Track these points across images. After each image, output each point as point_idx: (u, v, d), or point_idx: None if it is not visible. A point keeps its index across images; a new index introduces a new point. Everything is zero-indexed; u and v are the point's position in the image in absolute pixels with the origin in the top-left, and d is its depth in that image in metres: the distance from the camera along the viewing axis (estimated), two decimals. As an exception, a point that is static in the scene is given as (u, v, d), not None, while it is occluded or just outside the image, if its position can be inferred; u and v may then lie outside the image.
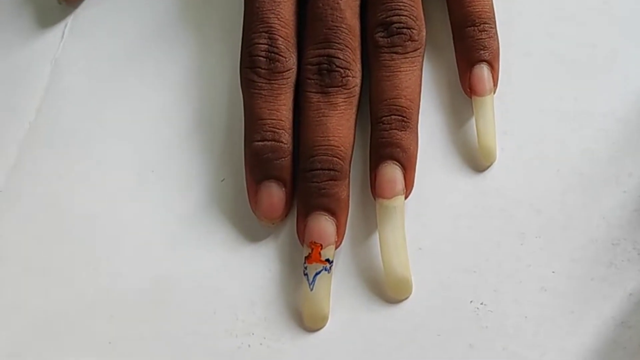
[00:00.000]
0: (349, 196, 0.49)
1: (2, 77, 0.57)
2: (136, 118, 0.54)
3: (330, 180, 0.48)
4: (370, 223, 0.49)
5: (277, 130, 0.50)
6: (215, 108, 0.54)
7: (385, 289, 0.48)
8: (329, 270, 0.47)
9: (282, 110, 0.50)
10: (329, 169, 0.48)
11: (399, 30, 0.51)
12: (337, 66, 0.50)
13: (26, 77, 0.56)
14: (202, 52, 0.56)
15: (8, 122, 0.55)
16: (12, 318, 0.49)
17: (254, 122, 0.50)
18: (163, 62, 0.56)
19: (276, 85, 0.51)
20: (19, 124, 0.55)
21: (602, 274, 0.47)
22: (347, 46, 0.51)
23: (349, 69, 0.50)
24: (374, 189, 0.49)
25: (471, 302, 0.47)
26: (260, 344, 0.47)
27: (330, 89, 0.50)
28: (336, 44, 0.51)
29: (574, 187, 0.50)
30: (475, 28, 0.52)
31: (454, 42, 0.53)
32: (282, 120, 0.50)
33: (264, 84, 0.51)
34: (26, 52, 0.57)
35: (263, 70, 0.51)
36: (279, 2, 0.53)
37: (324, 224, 0.48)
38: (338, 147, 0.49)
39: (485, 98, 0.51)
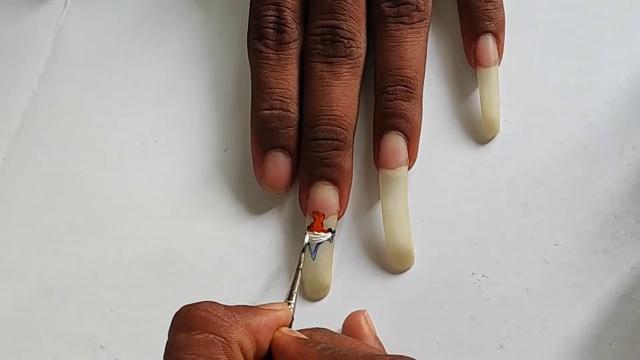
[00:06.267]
0: (352, 166, 0.49)
1: (6, 46, 0.57)
2: (139, 87, 0.54)
3: (334, 150, 0.48)
4: (373, 193, 0.49)
5: (285, 100, 0.50)
6: (217, 79, 0.54)
7: (387, 260, 0.48)
8: (331, 240, 0.47)
9: (289, 80, 0.50)
10: (332, 139, 0.48)
11: (405, 0, 0.51)
12: (341, 37, 0.50)
13: (29, 45, 0.56)
14: (207, 22, 0.56)
15: (11, 91, 0.55)
16: (17, 284, 0.49)
17: (261, 91, 0.50)
18: (168, 31, 0.56)
19: (283, 56, 0.51)
20: (22, 93, 0.55)
21: (604, 247, 0.47)
22: (351, 17, 0.51)
23: (353, 40, 0.50)
24: (377, 159, 0.49)
25: (473, 274, 0.47)
26: (262, 313, 0.47)
27: (334, 59, 0.50)
28: (340, 15, 0.51)
29: (577, 160, 0.49)
30: (482, -1, 0.52)
31: (459, 13, 0.53)
32: (289, 89, 0.50)
33: (271, 54, 0.51)
34: (29, 21, 0.57)
35: (271, 41, 0.51)
36: (286, -27, 0.52)
37: (326, 194, 0.48)
38: (342, 117, 0.49)
39: (490, 69, 0.51)
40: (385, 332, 0.46)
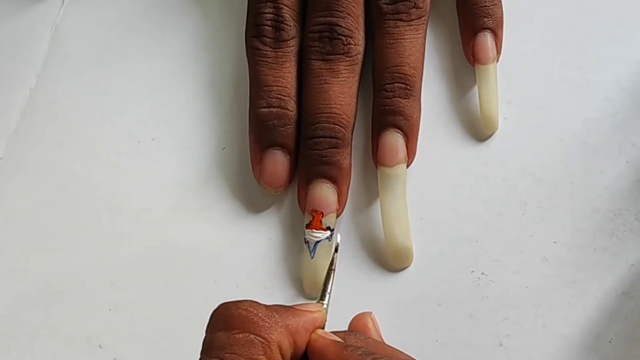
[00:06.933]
0: (350, 164, 0.49)
1: (3, 44, 0.56)
2: (137, 85, 0.54)
3: (332, 148, 0.48)
4: (372, 191, 0.49)
5: (283, 97, 0.50)
6: (215, 76, 0.54)
7: (386, 258, 0.48)
8: (329, 238, 0.47)
9: (287, 77, 0.50)
10: (331, 137, 0.48)
11: None
12: (339, 34, 0.50)
13: (27, 43, 0.56)
14: (205, 19, 0.56)
15: (9, 88, 0.55)
16: (15, 282, 0.49)
17: (259, 89, 0.50)
18: (165, 29, 0.56)
19: (281, 53, 0.51)
20: (19, 90, 0.54)
21: (604, 244, 0.47)
22: (349, 14, 0.50)
23: (351, 37, 0.50)
24: (376, 157, 0.49)
25: (472, 272, 0.47)
26: (261, 312, 0.47)
27: (332, 56, 0.50)
28: (338, 12, 0.50)
29: (576, 156, 0.49)
30: (480, -5, 0.52)
31: (458, 10, 0.53)
32: (287, 87, 0.50)
33: (269, 52, 0.51)
34: (26, 19, 0.57)
35: (268, 39, 0.51)
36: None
37: (325, 192, 0.48)
38: (340, 114, 0.49)
39: (488, 66, 0.51)
40: (385, 330, 0.45)
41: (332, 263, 0.44)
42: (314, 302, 0.42)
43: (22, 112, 0.54)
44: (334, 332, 0.40)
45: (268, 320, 0.37)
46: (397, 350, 0.41)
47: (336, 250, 0.45)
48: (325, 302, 0.42)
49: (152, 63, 0.55)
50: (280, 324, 0.37)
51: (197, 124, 0.52)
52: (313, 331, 0.39)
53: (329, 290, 0.43)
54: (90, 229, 0.50)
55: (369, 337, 0.41)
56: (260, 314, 0.37)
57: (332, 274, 0.44)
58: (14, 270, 0.49)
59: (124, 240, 0.49)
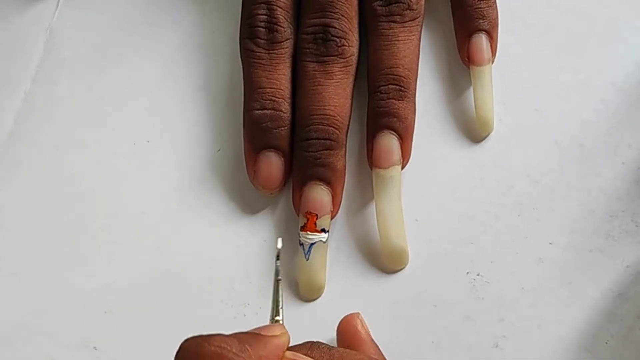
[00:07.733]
0: (345, 166, 0.49)
1: (-2, 46, 0.56)
2: (132, 87, 0.54)
3: (326, 149, 0.48)
4: (367, 193, 0.49)
5: (277, 99, 0.50)
6: (210, 78, 0.54)
7: (382, 260, 0.48)
8: (324, 240, 0.47)
9: (281, 79, 0.50)
10: (325, 139, 0.48)
11: None
12: (333, 35, 0.50)
13: (21, 46, 0.56)
14: (200, 21, 0.56)
15: (4, 91, 0.54)
16: (10, 285, 0.49)
17: (253, 91, 0.50)
18: (160, 31, 0.56)
19: (275, 55, 0.51)
20: (14, 93, 0.54)
21: (599, 246, 0.47)
22: (343, 15, 0.50)
23: (345, 38, 0.50)
24: (371, 158, 0.49)
25: (468, 273, 0.47)
26: (256, 313, 0.47)
27: (326, 58, 0.50)
28: (332, 13, 0.50)
29: (572, 158, 0.49)
30: (475, -3, 0.52)
31: (453, 11, 0.53)
32: (281, 89, 0.50)
33: (263, 54, 0.51)
34: (21, 21, 0.57)
35: (262, 41, 0.51)
36: (278, -27, 0.52)
37: (319, 194, 0.48)
38: (334, 116, 0.49)
39: (483, 68, 0.51)
40: (380, 332, 0.45)
41: (277, 273, 0.43)
42: (269, 322, 0.42)
43: (17, 115, 0.53)
44: (295, 346, 0.40)
45: (242, 355, 0.36)
46: (365, 355, 0.41)
47: (277, 258, 0.44)
48: (281, 317, 0.42)
49: (147, 65, 0.55)
50: (254, 357, 0.36)
51: (192, 126, 0.52)
52: (283, 356, 0.38)
53: (281, 305, 0.42)
54: (86, 232, 0.50)
55: (333, 347, 0.41)
56: (234, 350, 0.36)
57: (278, 285, 0.43)
58: (10, 274, 0.49)
59: (119, 242, 0.49)
